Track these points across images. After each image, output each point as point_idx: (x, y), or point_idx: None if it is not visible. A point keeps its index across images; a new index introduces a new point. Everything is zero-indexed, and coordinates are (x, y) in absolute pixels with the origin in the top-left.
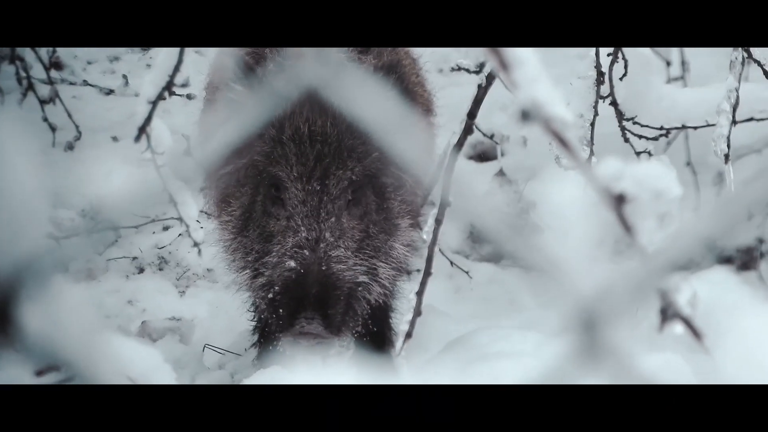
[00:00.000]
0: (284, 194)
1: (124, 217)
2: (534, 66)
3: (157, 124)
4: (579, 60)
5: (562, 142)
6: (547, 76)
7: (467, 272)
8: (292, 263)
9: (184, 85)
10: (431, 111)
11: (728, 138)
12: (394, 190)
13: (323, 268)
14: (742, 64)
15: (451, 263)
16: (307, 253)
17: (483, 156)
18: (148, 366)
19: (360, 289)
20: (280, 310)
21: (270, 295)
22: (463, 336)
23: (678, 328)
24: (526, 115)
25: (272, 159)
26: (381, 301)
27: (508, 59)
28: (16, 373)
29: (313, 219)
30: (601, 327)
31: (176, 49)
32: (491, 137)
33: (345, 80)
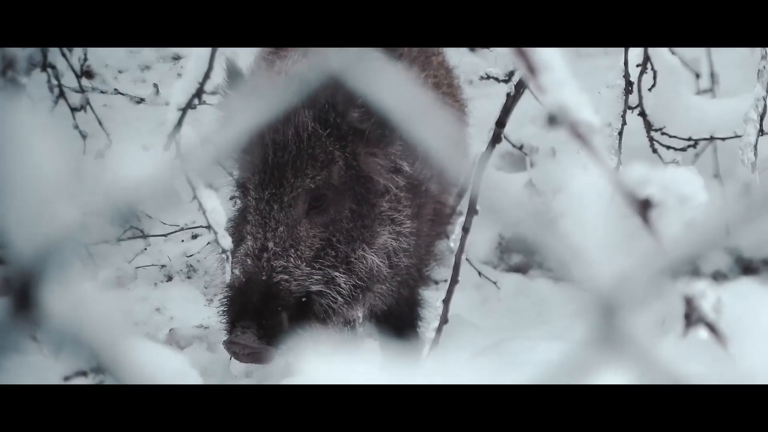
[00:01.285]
0: (247, 200)
1: (154, 214)
2: (561, 70)
3: (187, 131)
4: (608, 71)
5: (589, 147)
6: (574, 81)
7: (495, 282)
8: (237, 271)
9: (214, 93)
10: (464, 121)
11: (755, 147)
12: (380, 195)
13: (264, 278)
14: None
15: (479, 273)
16: (250, 262)
17: (512, 167)
18: (176, 371)
19: (315, 298)
20: (223, 318)
21: (217, 302)
22: (490, 346)
23: (702, 333)
24: (553, 120)
25: (244, 165)
26: (406, 307)
27: (535, 63)
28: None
29: (260, 228)
30: (620, 314)
31: (206, 56)
32: (520, 148)
33: (372, 70)
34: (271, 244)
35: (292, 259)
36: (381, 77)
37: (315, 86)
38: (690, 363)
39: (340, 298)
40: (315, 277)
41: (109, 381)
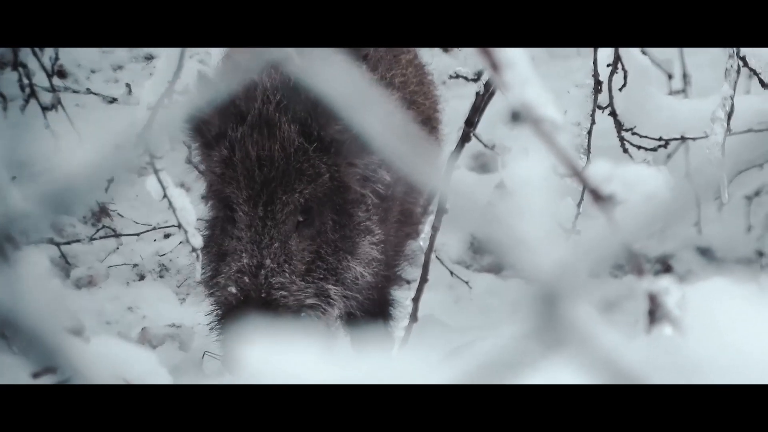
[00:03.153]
0: (235, 215)
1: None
2: (525, 67)
3: (156, 130)
4: (579, 72)
5: (553, 144)
6: (537, 79)
7: (467, 282)
8: (233, 289)
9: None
10: (435, 119)
11: (722, 146)
12: (356, 205)
13: (263, 296)
14: (738, 71)
15: (452, 273)
16: (248, 280)
17: (484, 168)
18: (145, 370)
19: (311, 311)
20: (220, 335)
21: (213, 318)
22: (461, 346)
23: (667, 330)
24: (516, 116)
25: (225, 179)
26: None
27: (498, 60)
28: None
29: (256, 245)
30: (562, 303)
31: (176, 56)
32: (492, 148)
33: (323, 67)
34: (267, 261)
35: (287, 275)
36: (335, 76)
37: (253, 75)
38: (641, 356)
39: (330, 310)
40: (309, 290)
41: (74, 380)
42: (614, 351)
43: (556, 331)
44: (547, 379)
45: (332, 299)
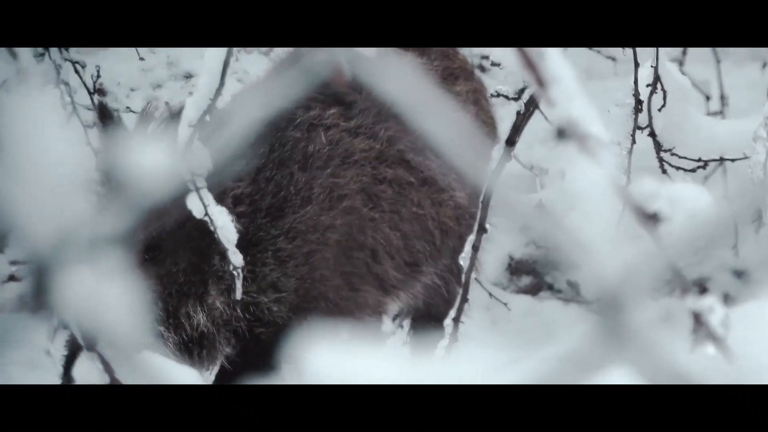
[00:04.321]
0: None
1: None
2: (570, 83)
3: (198, 146)
4: (618, 92)
5: (598, 161)
6: (583, 95)
7: (506, 304)
8: None
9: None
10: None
11: (765, 165)
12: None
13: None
14: None
15: (490, 295)
16: None
17: (523, 188)
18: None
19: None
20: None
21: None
22: (506, 363)
23: (710, 349)
24: (561, 133)
25: None
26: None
27: (545, 76)
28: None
29: None
30: (625, 309)
31: (218, 73)
32: (530, 169)
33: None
34: None
35: None
36: (401, 76)
37: (321, 79)
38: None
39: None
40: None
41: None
42: (675, 359)
43: (618, 338)
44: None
45: (165, 341)
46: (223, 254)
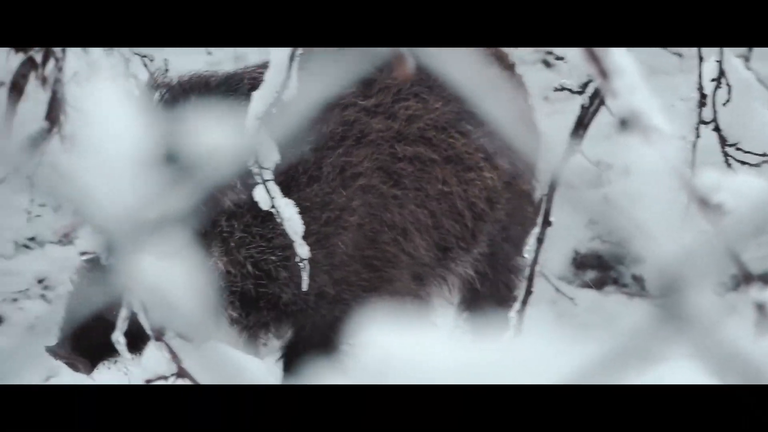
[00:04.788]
0: None
1: None
2: (634, 75)
3: (265, 139)
4: (682, 87)
5: (661, 154)
6: (646, 87)
7: (572, 299)
8: None
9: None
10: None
11: None
12: None
13: None
14: None
15: (557, 289)
16: None
17: (587, 183)
18: (254, 376)
19: None
20: None
21: None
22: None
23: None
24: (624, 124)
25: None
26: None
27: (608, 67)
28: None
29: None
30: (689, 302)
31: (285, 66)
32: (596, 164)
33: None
34: None
35: None
36: (469, 68)
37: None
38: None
39: None
40: None
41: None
42: (740, 352)
43: (681, 331)
44: (668, 374)
45: None
46: (230, 216)
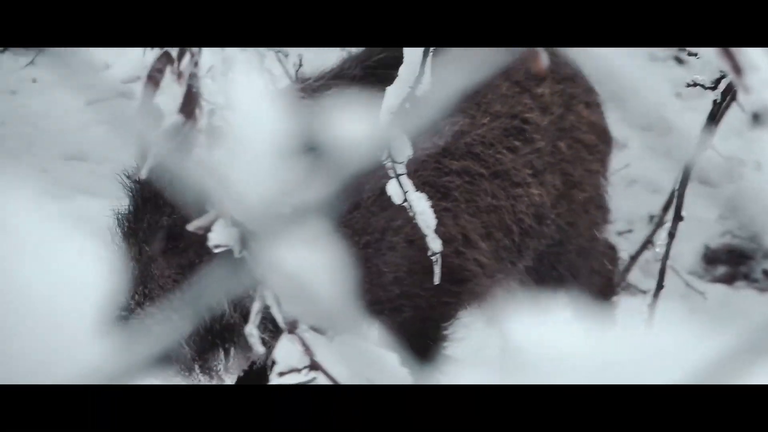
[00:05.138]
0: None
1: None
2: (767, 71)
3: (398, 134)
4: None
5: None
6: None
7: (702, 293)
8: None
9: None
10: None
11: None
12: None
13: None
14: None
15: (687, 284)
16: None
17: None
18: (386, 370)
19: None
20: None
21: None
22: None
23: None
24: (756, 118)
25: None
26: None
27: (741, 63)
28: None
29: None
30: None
31: (419, 60)
32: (728, 160)
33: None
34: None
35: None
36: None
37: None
38: None
39: None
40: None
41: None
42: None
43: None
44: None
45: None
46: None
